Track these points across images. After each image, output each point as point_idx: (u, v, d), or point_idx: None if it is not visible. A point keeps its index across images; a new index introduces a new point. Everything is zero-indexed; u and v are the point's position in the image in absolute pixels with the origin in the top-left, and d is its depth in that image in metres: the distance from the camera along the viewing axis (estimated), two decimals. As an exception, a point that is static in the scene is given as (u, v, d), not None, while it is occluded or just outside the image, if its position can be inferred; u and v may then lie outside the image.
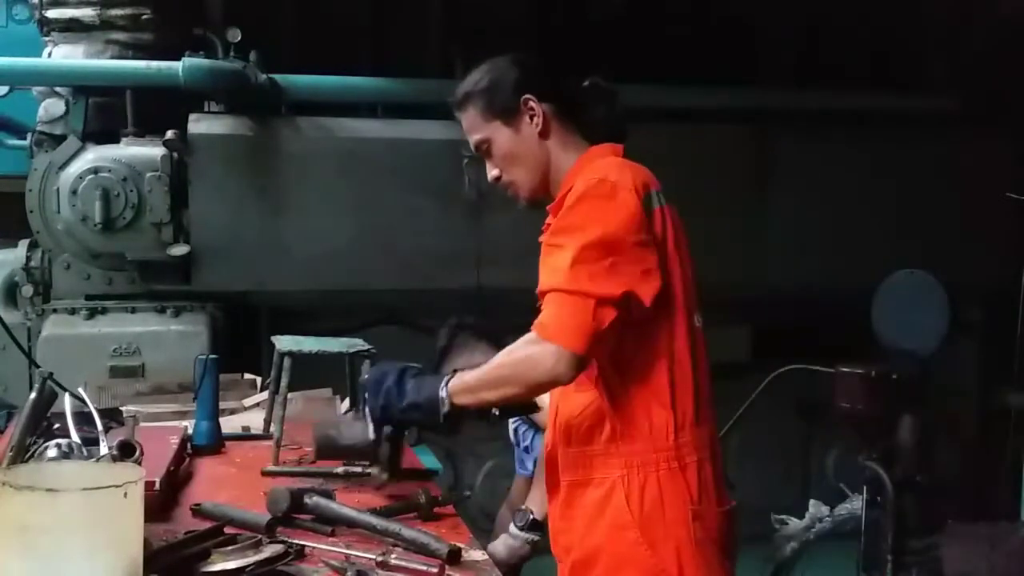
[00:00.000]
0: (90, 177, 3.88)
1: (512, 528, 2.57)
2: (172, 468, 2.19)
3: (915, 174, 4.54)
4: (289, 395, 3.07)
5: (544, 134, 2.02)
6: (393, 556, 1.77)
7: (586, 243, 1.81)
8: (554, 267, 1.83)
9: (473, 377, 1.90)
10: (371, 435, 1.98)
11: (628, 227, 1.83)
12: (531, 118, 2.02)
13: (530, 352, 1.82)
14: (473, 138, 2.08)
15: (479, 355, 2.49)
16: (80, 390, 2.16)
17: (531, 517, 2.54)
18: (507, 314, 2.78)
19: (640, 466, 1.89)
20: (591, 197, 1.85)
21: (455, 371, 1.94)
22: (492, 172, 2.07)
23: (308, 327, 4.32)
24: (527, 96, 2.01)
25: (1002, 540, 3.87)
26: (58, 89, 4.11)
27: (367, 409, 1.99)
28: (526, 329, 1.85)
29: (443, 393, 1.89)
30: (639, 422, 1.91)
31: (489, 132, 2.04)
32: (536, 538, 2.52)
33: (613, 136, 2.07)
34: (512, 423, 2.96)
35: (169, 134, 3.88)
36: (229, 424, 2.80)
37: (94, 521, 1.37)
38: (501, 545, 2.57)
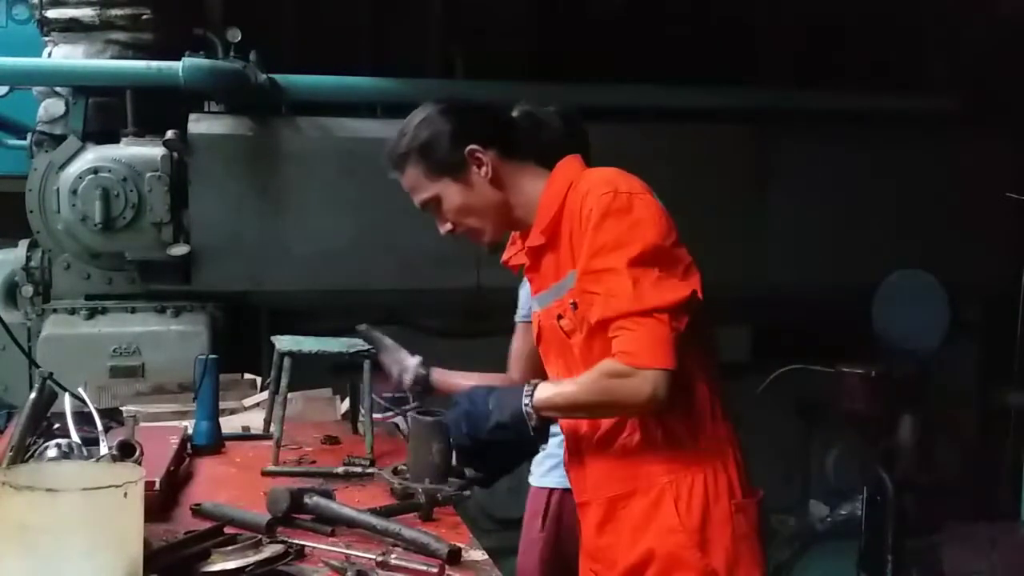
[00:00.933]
0: (90, 177, 3.88)
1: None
2: (172, 468, 2.19)
3: (915, 174, 4.54)
4: (289, 395, 3.07)
5: (496, 179, 1.99)
6: (393, 556, 1.77)
7: (633, 258, 1.80)
8: (613, 292, 1.81)
9: (563, 398, 1.89)
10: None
11: (661, 231, 1.85)
12: (479, 167, 1.99)
13: (625, 383, 1.81)
14: (419, 197, 2.04)
15: (403, 354, 2.63)
16: (80, 390, 2.16)
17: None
18: (507, 314, 2.79)
19: (685, 469, 1.92)
20: (614, 213, 1.83)
21: (533, 384, 1.92)
22: (445, 227, 2.06)
23: (308, 327, 4.34)
24: (472, 148, 1.97)
25: (1002, 540, 3.88)
26: (58, 89, 4.11)
27: (454, 447, 2.00)
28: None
29: (528, 407, 1.88)
30: (680, 425, 1.93)
31: (436, 190, 2.01)
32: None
33: (565, 150, 2.05)
34: None
35: (169, 134, 3.88)
36: (229, 424, 2.80)
37: (94, 521, 1.37)
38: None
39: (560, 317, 1.97)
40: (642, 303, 1.79)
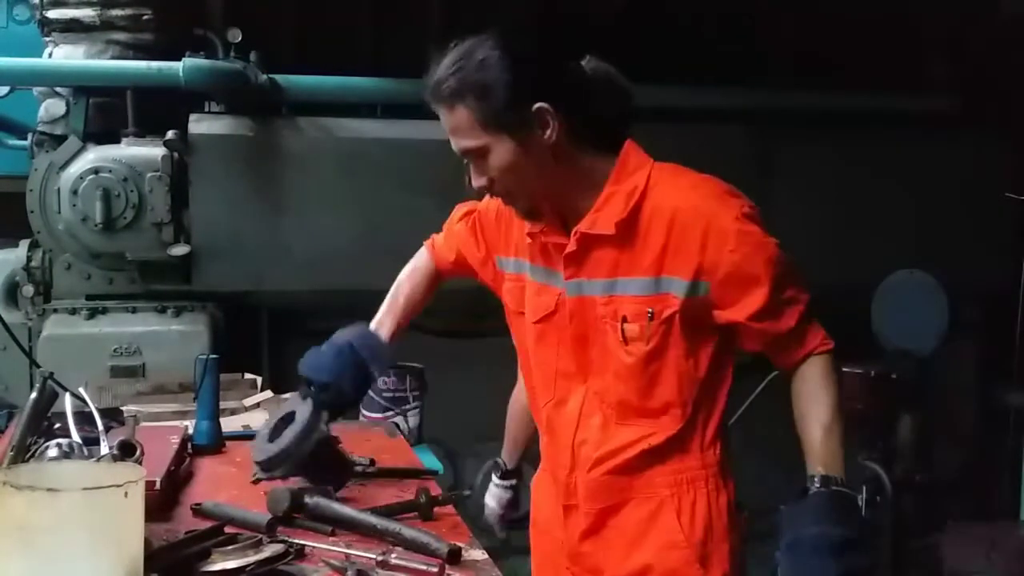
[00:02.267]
0: (91, 177, 3.88)
1: (495, 479, 2.58)
2: (172, 468, 2.19)
3: (915, 174, 4.54)
4: (288, 395, 3.07)
5: (558, 148, 1.76)
6: (393, 556, 1.77)
7: (792, 268, 1.84)
8: (797, 292, 1.82)
9: (835, 445, 1.76)
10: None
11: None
12: (543, 130, 1.74)
13: (835, 367, 1.83)
14: (463, 143, 1.77)
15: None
16: (81, 390, 2.16)
17: (504, 467, 2.55)
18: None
19: (690, 482, 1.86)
20: (756, 223, 1.81)
21: (822, 476, 1.72)
22: (481, 180, 1.81)
23: (308, 327, 4.35)
24: (542, 106, 1.72)
25: (1002, 540, 3.88)
26: (59, 89, 4.11)
27: None
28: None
29: (840, 482, 1.72)
30: (694, 439, 1.87)
31: (486, 141, 1.75)
32: (515, 483, 2.56)
33: (619, 130, 1.87)
34: None
35: (170, 134, 3.88)
36: (229, 424, 2.80)
37: (94, 521, 1.37)
38: (489, 497, 2.59)
39: (625, 320, 1.81)
40: (809, 292, 1.84)
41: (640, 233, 1.79)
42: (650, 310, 1.79)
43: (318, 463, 2.14)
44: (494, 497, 2.59)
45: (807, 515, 1.67)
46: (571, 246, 1.84)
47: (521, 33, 1.83)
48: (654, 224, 1.78)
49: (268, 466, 2.09)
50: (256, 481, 2.12)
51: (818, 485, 1.70)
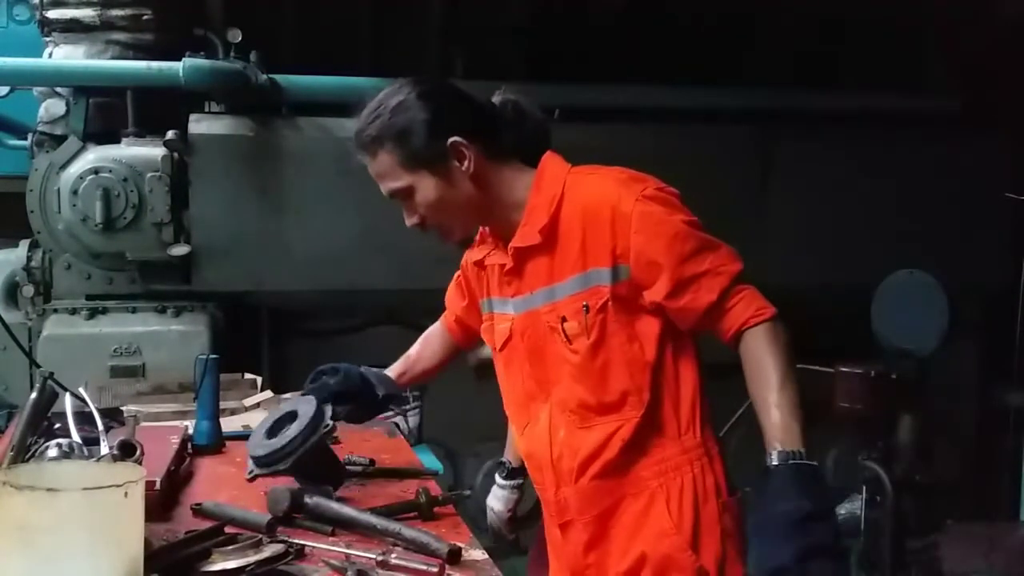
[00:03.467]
0: (91, 177, 3.88)
1: (498, 479, 2.62)
2: (172, 468, 2.19)
3: (915, 174, 4.54)
4: (289, 395, 3.08)
5: (477, 175, 1.86)
6: (393, 556, 1.77)
7: (709, 237, 1.84)
8: (719, 260, 1.82)
9: (798, 419, 1.72)
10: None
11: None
12: (460, 161, 1.85)
13: (785, 336, 1.81)
14: (389, 186, 1.89)
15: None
16: (81, 390, 2.16)
17: (509, 466, 2.58)
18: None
19: (675, 470, 1.88)
20: (669, 205, 1.84)
21: (778, 452, 1.69)
22: (412, 220, 1.91)
23: (308, 327, 4.35)
24: (456, 140, 1.84)
25: (1002, 540, 3.88)
26: (59, 89, 4.11)
27: None
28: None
29: (799, 455, 1.68)
30: (668, 425, 1.89)
31: (410, 181, 1.86)
32: (520, 482, 2.57)
33: (539, 145, 1.96)
34: None
35: (170, 134, 3.88)
36: (229, 424, 2.80)
37: (94, 521, 1.37)
38: (493, 499, 2.62)
39: (564, 320, 1.87)
40: (737, 265, 1.83)
41: (562, 236, 1.87)
42: (585, 303, 1.85)
43: (315, 462, 2.14)
44: (499, 499, 2.60)
45: (767, 494, 1.67)
46: (508, 262, 1.94)
47: (430, 79, 1.96)
48: (572, 224, 1.85)
49: (269, 460, 2.09)
50: (252, 478, 2.12)
51: (775, 462, 1.69)
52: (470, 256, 2.12)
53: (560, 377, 1.92)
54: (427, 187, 1.86)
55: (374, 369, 2.35)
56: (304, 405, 2.14)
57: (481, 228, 2.03)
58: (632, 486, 1.90)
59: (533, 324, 1.93)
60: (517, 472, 2.55)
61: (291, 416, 2.12)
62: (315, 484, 2.09)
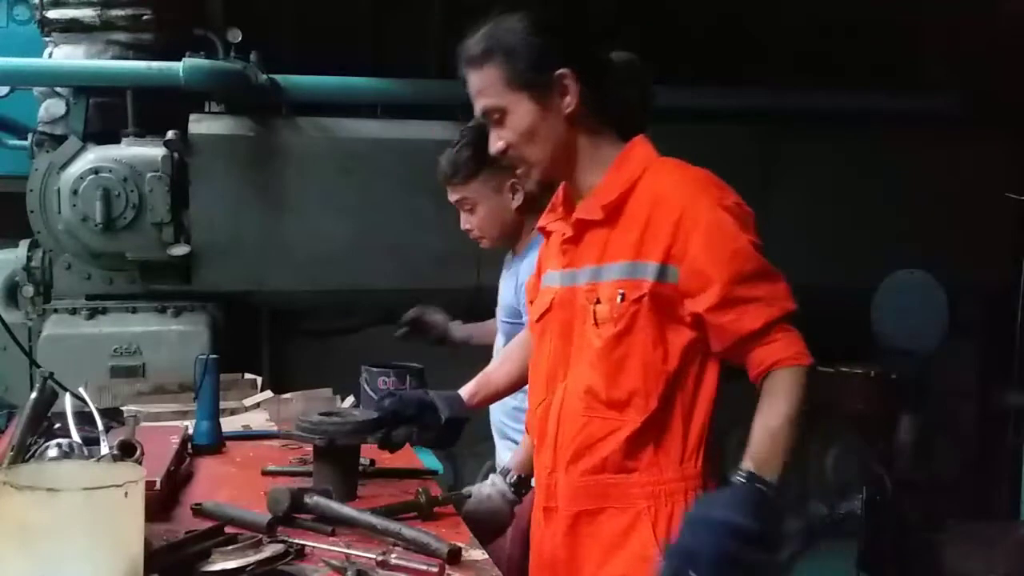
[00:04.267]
0: (91, 177, 3.88)
1: (497, 479, 2.34)
2: (172, 468, 2.19)
3: (915, 174, 4.54)
4: (289, 395, 3.09)
5: (572, 116, 1.82)
6: (393, 556, 1.77)
7: (768, 265, 1.77)
8: (776, 296, 1.75)
9: (786, 459, 1.68)
10: None
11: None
12: (563, 96, 1.81)
13: (807, 388, 1.72)
14: (484, 102, 1.84)
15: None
16: (81, 390, 2.16)
17: (516, 476, 2.32)
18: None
19: (668, 495, 1.81)
20: (742, 219, 1.79)
21: (748, 472, 1.67)
22: (498, 144, 1.86)
23: (308, 327, 4.35)
24: (563, 72, 1.80)
25: (1002, 540, 3.88)
26: (59, 89, 4.11)
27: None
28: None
29: (767, 484, 1.65)
30: (672, 446, 1.82)
31: (508, 101, 1.82)
32: (518, 501, 2.35)
33: (637, 121, 1.93)
34: None
35: (170, 134, 3.88)
36: (229, 424, 2.81)
37: (95, 521, 1.37)
38: (493, 489, 2.32)
39: (597, 302, 1.82)
40: (791, 304, 1.75)
41: (625, 219, 1.82)
42: (621, 291, 1.80)
43: (342, 460, 2.17)
44: (499, 493, 2.32)
45: (718, 499, 1.65)
46: (569, 232, 1.89)
47: (551, 7, 1.89)
48: (639, 210, 1.81)
49: (318, 428, 2.14)
50: (287, 437, 2.24)
51: (742, 478, 1.66)
52: (541, 223, 2.05)
53: (581, 359, 1.87)
54: (523, 112, 1.81)
55: (445, 392, 2.25)
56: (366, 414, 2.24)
57: (557, 193, 1.97)
58: (619, 498, 1.84)
59: (571, 300, 1.89)
60: (524, 483, 2.35)
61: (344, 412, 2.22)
62: (326, 481, 2.11)
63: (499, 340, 2.84)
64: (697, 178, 1.83)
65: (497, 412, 2.82)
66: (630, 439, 1.82)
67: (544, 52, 1.80)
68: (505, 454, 2.70)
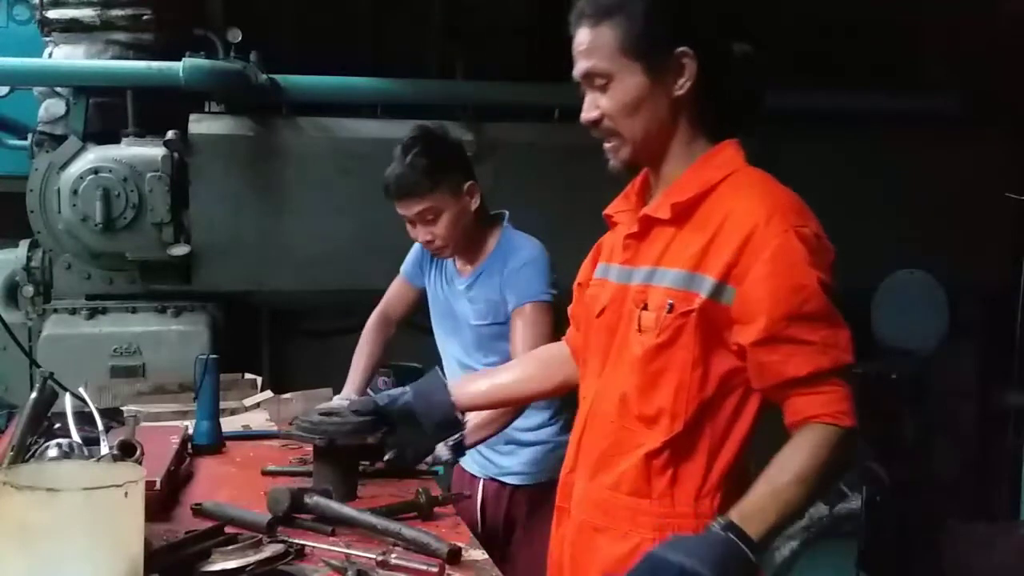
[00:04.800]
0: (91, 177, 3.88)
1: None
2: (172, 468, 2.19)
3: (915, 174, 4.53)
4: (289, 395, 3.09)
5: (680, 100, 1.67)
6: (393, 556, 1.77)
7: (832, 309, 1.63)
8: (834, 343, 1.60)
9: (773, 508, 1.53)
10: None
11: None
12: (677, 77, 1.66)
13: (844, 453, 1.57)
14: (590, 64, 1.68)
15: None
16: (81, 390, 2.16)
17: (461, 437, 2.37)
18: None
19: (676, 531, 1.66)
20: (817, 253, 1.63)
21: (728, 521, 1.52)
22: (592, 113, 1.71)
23: (308, 327, 4.35)
24: (685, 50, 1.65)
25: (1002, 540, 3.88)
26: (59, 89, 4.11)
27: None
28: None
29: (746, 540, 1.51)
30: (690, 480, 1.68)
31: (618, 68, 1.66)
32: (449, 463, 2.47)
33: (738, 122, 1.76)
34: None
35: (170, 134, 3.88)
36: (229, 424, 2.81)
37: (95, 521, 1.37)
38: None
39: (645, 307, 1.68)
40: (850, 357, 1.59)
41: (693, 225, 1.68)
42: (670, 302, 1.65)
43: (341, 460, 2.16)
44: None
45: (686, 542, 1.53)
46: (634, 227, 1.76)
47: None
48: (710, 220, 1.66)
49: (317, 428, 2.14)
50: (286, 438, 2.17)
51: (719, 527, 1.52)
52: (608, 210, 1.92)
53: (620, 362, 1.73)
54: (632, 83, 1.66)
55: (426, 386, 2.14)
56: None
57: (634, 181, 1.83)
58: (625, 522, 1.71)
59: (621, 299, 1.75)
60: (461, 450, 2.39)
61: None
62: (326, 481, 2.11)
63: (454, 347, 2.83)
64: (778, 197, 1.67)
65: (456, 369, 2.80)
66: (649, 458, 1.68)
67: (671, 25, 1.65)
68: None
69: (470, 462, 2.77)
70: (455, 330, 2.80)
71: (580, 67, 1.70)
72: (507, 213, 2.80)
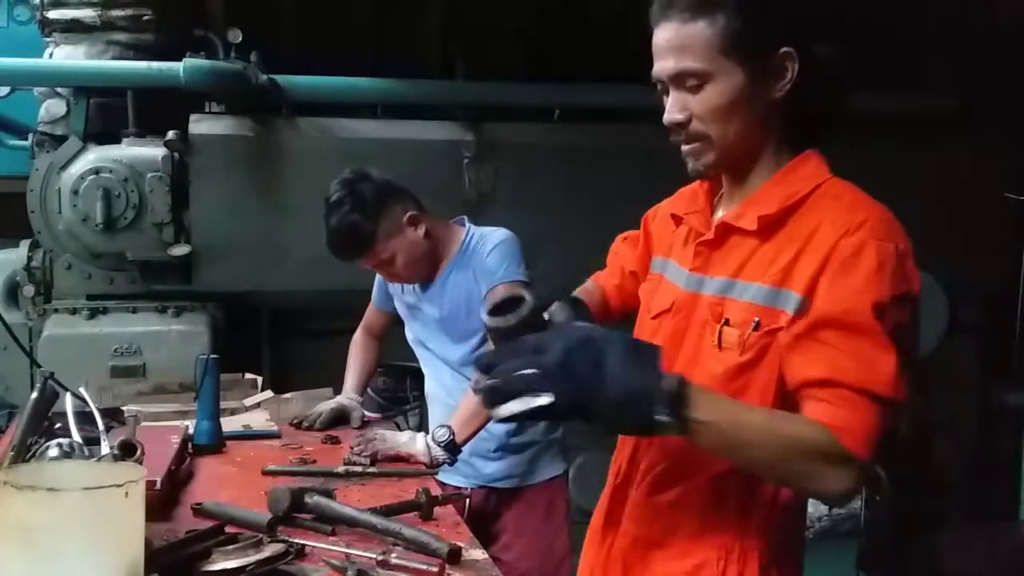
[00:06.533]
0: (91, 177, 3.88)
1: (431, 440, 2.49)
2: (173, 467, 2.20)
3: (915, 174, 4.53)
4: (289, 395, 3.09)
5: (773, 107, 1.55)
6: (393, 555, 1.77)
7: (901, 345, 1.45)
8: (870, 361, 1.43)
9: (725, 413, 1.41)
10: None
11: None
12: (777, 80, 1.53)
13: (829, 467, 1.42)
14: (682, 64, 1.52)
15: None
16: (81, 390, 2.16)
17: (451, 437, 2.48)
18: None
19: (743, 552, 1.57)
20: (893, 275, 1.49)
21: (678, 378, 1.39)
22: (677, 115, 1.56)
23: (308, 327, 4.35)
24: (789, 51, 1.52)
25: (1002, 540, 3.88)
26: (59, 90, 4.11)
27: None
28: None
29: (668, 385, 1.36)
30: (762, 502, 1.58)
31: (717, 68, 1.51)
32: (447, 463, 2.50)
33: (820, 130, 1.69)
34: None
35: (170, 134, 3.89)
36: (230, 424, 2.81)
37: (95, 521, 1.37)
38: (422, 443, 2.48)
39: (726, 323, 1.56)
40: (887, 389, 1.43)
41: (779, 239, 1.56)
42: (756, 319, 1.53)
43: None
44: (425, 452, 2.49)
45: (632, 343, 1.41)
46: (709, 234, 1.63)
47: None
48: (798, 234, 1.54)
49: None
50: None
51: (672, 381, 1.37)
52: (667, 207, 1.83)
53: (690, 376, 1.47)
54: (731, 85, 1.51)
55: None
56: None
57: (703, 183, 1.71)
58: (684, 540, 1.61)
59: (692, 307, 1.63)
60: (454, 448, 2.49)
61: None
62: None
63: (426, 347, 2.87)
64: (869, 210, 1.59)
65: (446, 374, 2.84)
66: (721, 479, 1.58)
67: (775, 24, 1.52)
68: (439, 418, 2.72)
69: (455, 474, 2.79)
70: (436, 331, 2.86)
71: (667, 66, 1.54)
72: (465, 217, 2.85)
